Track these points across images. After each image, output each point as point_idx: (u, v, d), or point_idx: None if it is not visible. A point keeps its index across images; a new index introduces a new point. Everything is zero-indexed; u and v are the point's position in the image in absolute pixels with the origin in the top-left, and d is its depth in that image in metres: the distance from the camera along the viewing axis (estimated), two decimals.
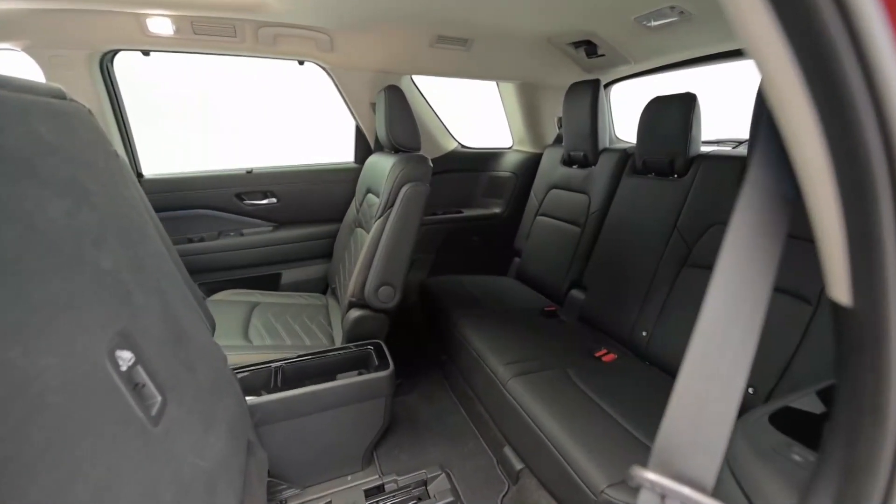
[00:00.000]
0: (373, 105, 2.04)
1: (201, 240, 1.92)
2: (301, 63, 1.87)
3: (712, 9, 1.35)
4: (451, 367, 1.83)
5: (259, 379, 1.21)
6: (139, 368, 0.60)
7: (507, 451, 1.35)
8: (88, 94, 1.63)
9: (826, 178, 0.32)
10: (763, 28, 0.29)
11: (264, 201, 2.05)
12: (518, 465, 1.28)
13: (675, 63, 1.85)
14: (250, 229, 2.03)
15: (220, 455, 0.72)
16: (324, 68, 1.93)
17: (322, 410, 1.19)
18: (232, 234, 1.99)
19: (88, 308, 0.54)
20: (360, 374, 1.26)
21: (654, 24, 1.54)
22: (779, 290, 1.16)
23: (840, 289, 0.37)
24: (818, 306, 1.08)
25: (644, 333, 1.48)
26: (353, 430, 1.29)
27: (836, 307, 0.38)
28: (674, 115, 1.54)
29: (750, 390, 1.15)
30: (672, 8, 1.41)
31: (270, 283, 2.07)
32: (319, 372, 1.27)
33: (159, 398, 0.62)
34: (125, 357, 0.59)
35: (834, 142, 0.31)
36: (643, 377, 1.36)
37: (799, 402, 0.74)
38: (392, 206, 1.45)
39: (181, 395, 0.67)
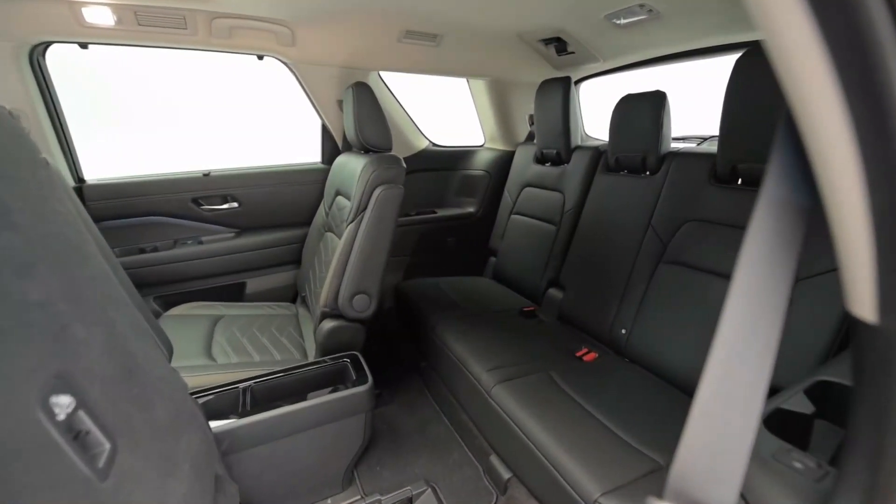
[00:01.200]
0: (339, 102, 1.95)
1: (154, 250, 1.77)
2: (260, 58, 1.76)
3: (681, 7, 1.36)
4: (432, 374, 1.78)
5: (226, 402, 1.12)
6: (81, 414, 0.52)
7: (494, 459, 1.31)
8: (17, 93, 1.46)
9: (856, 188, 0.29)
10: (791, 18, 0.26)
11: (224, 206, 1.92)
12: (506, 475, 1.25)
13: (643, 61, 1.87)
14: (210, 236, 1.90)
15: (184, 501, 0.64)
16: (285, 63, 1.82)
17: (297, 432, 1.11)
18: (189, 242, 1.85)
19: (12, 352, 0.45)
20: (336, 390, 1.18)
21: (623, 21, 1.54)
22: None
23: (864, 305, 0.34)
24: (791, 301, 1.10)
25: (623, 331, 1.49)
26: (332, 450, 1.21)
27: (856, 323, 0.36)
28: (645, 113, 1.55)
29: None
30: (641, 6, 1.41)
31: (234, 293, 1.94)
32: (293, 390, 1.18)
33: (107, 445, 0.53)
34: (63, 403, 0.50)
35: (868, 150, 0.28)
36: (625, 376, 1.36)
37: (789, 403, 0.74)
38: (365, 209, 1.38)
39: (135, 439, 0.59)
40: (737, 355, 0.36)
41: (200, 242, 1.86)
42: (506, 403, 1.20)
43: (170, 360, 0.84)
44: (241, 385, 1.16)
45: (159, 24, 1.44)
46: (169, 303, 1.78)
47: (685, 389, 1.27)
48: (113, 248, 1.69)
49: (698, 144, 1.86)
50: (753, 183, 1.24)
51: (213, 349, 1.42)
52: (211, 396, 1.12)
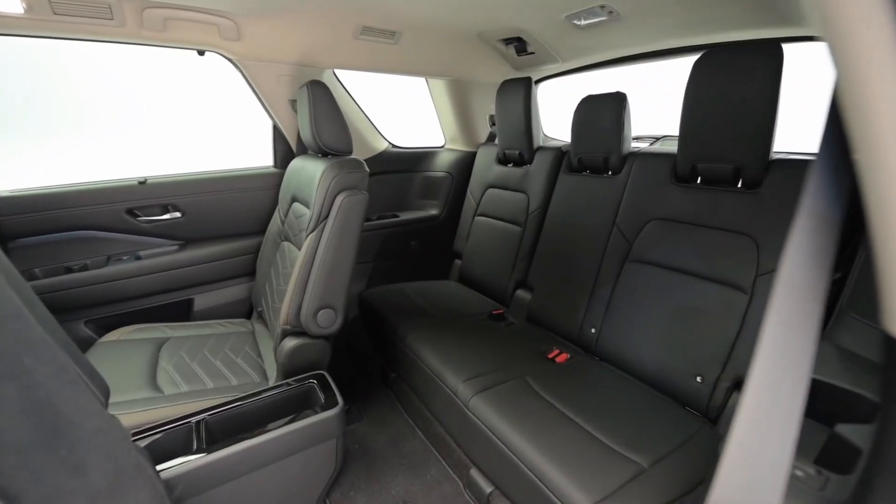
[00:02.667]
0: (292, 102, 1.83)
1: (84, 268, 1.58)
2: (201, 53, 1.60)
3: (640, 9, 1.38)
4: (403, 386, 1.71)
5: (177, 439, 0.99)
6: None
7: (475, 473, 1.27)
8: None
9: None
10: (871, 16, 0.23)
11: (165, 216, 1.74)
12: (488, 489, 1.21)
13: (601, 62, 1.90)
14: (149, 250, 1.72)
15: None
16: (230, 60, 1.67)
17: (262, 467, 1.01)
18: (125, 257, 1.66)
19: None
20: (303, 415, 1.09)
21: (583, 23, 1.54)
22: (715, 280, 1.22)
23: None
24: (752, 296, 1.14)
25: (593, 330, 1.50)
26: (302, 481, 1.11)
27: (893, 342, 0.34)
28: (606, 113, 1.57)
29: (698, 379, 1.19)
30: (602, 7, 1.41)
31: (180, 312, 1.77)
32: (254, 420, 1.07)
33: None
34: None
35: None
36: (599, 376, 1.36)
37: None
38: (326, 218, 1.28)
39: None
40: (774, 383, 0.33)
41: (138, 257, 1.68)
42: (485, 415, 1.16)
43: (106, 404, 0.72)
44: (194, 419, 1.04)
45: (79, 13, 1.27)
46: (104, 327, 1.59)
47: (656, 385, 1.29)
48: (33, 269, 1.50)
49: (651, 144, 1.92)
50: (712, 182, 1.28)
51: (159, 378, 1.27)
52: (159, 435, 0.99)
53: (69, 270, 1.55)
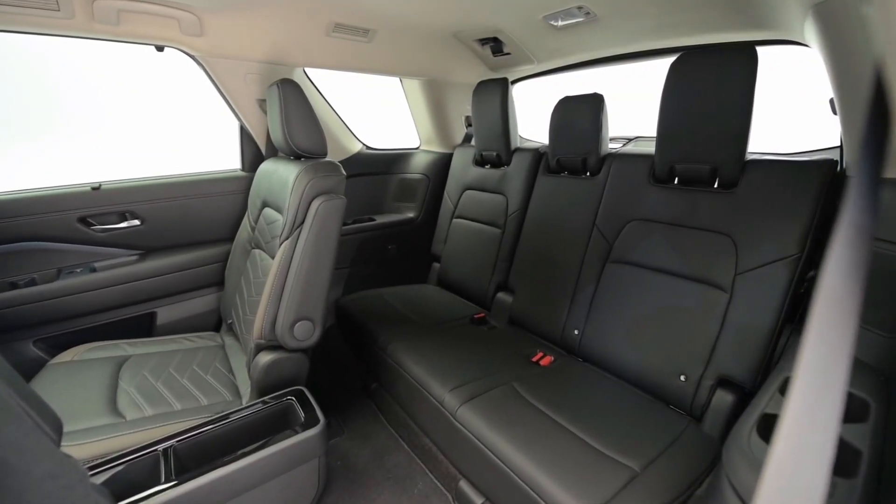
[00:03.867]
0: (261, 102, 1.74)
1: (32, 283, 1.44)
2: (160, 49, 1.49)
3: (617, 11, 1.38)
4: (385, 396, 1.66)
5: (141, 470, 0.91)
6: None
7: (464, 485, 1.23)
8: None
9: None
10: None
11: (123, 224, 1.62)
12: (478, 500, 1.18)
13: (576, 63, 1.90)
14: (106, 261, 1.59)
15: None
16: (192, 56, 1.57)
17: (239, 495, 0.93)
18: (79, 270, 1.53)
19: None
20: (281, 436, 1.02)
21: (560, 24, 1.54)
22: (696, 280, 1.23)
23: None
24: (732, 294, 1.16)
25: (576, 332, 1.49)
26: None
27: None
28: (584, 115, 1.56)
29: (682, 378, 1.20)
30: (580, 8, 1.41)
31: (141, 326, 1.65)
32: (229, 444, 1.00)
33: None
34: None
35: None
36: (584, 378, 1.35)
37: (771, 407, 0.74)
38: (301, 224, 1.22)
39: None
40: (814, 403, 0.31)
41: (93, 269, 1.55)
42: (473, 425, 1.13)
43: (59, 441, 0.64)
44: (161, 446, 0.96)
45: (22, 2, 1.15)
46: (56, 346, 1.46)
47: (640, 386, 1.30)
48: None
49: (623, 145, 1.94)
50: (690, 182, 1.30)
51: (120, 402, 1.17)
52: (121, 466, 0.90)
53: (14, 286, 1.42)
